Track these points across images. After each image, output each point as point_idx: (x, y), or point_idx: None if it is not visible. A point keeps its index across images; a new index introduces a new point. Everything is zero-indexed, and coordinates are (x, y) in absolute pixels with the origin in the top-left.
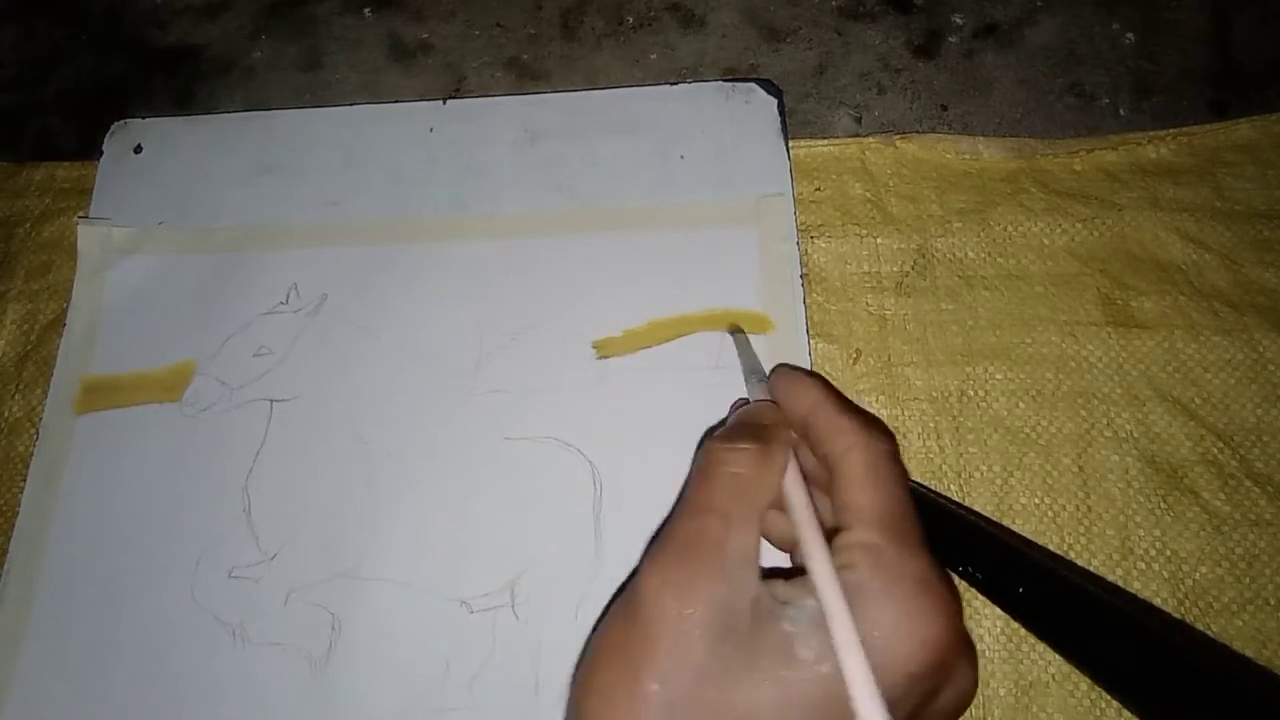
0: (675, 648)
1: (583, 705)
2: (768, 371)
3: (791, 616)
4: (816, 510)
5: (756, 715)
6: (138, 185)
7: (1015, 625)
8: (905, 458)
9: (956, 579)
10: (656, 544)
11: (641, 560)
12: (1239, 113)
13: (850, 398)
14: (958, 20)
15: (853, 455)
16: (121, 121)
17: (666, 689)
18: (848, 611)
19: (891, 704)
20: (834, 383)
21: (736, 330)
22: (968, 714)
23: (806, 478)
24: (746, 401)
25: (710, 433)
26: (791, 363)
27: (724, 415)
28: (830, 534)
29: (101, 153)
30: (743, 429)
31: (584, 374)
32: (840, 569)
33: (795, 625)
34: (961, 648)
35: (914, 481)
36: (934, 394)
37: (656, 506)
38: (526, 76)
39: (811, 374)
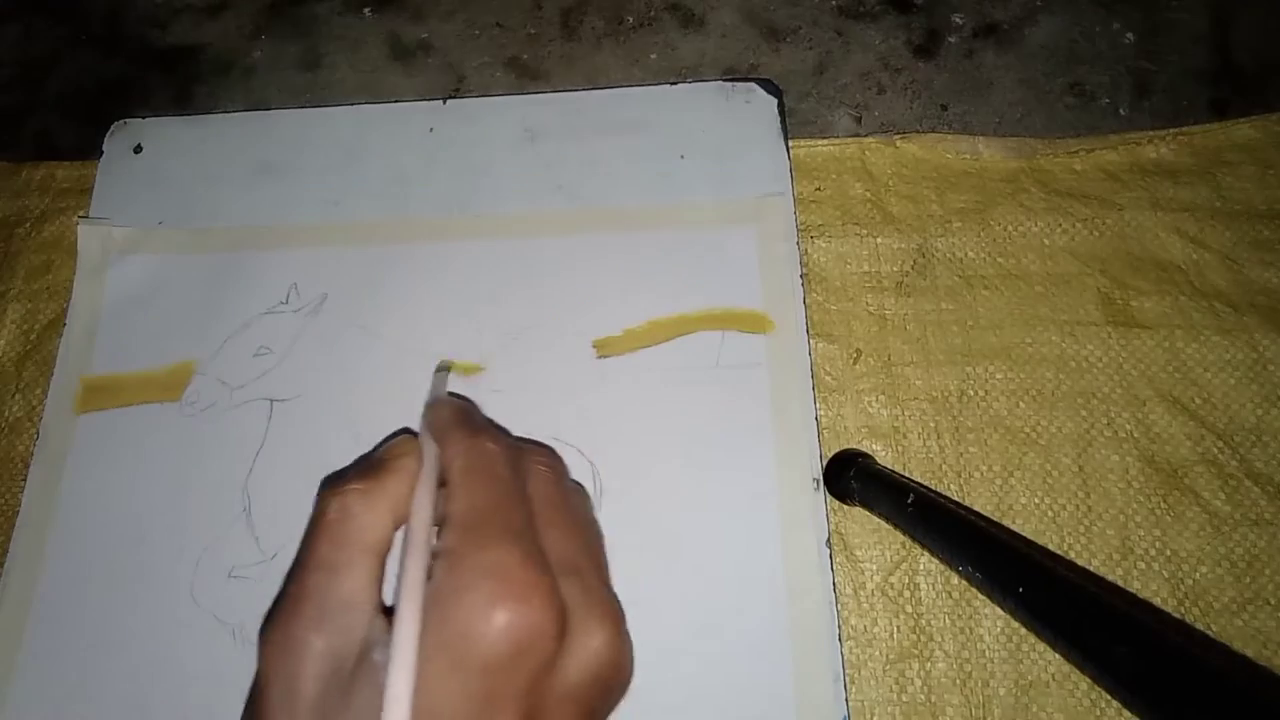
0: (285, 705)
1: None
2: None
3: (382, 646)
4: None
5: None
6: (138, 185)
7: (1015, 625)
8: (905, 458)
9: (957, 579)
10: (272, 606)
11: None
12: (1239, 113)
13: (850, 398)
14: (958, 20)
15: (455, 463)
16: (121, 121)
17: None
18: (409, 634)
19: (489, 695)
20: (834, 382)
21: (443, 368)
22: (967, 712)
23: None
24: None
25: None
26: (790, 362)
27: (725, 415)
28: None
29: (101, 153)
30: (356, 467)
31: (584, 374)
32: (432, 578)
33: (382, 655)
34: (557, 619)
35: (914, 481)
36: (934, 394)
37: (656, 506)
38: (526, 76)
39: (456, 400)
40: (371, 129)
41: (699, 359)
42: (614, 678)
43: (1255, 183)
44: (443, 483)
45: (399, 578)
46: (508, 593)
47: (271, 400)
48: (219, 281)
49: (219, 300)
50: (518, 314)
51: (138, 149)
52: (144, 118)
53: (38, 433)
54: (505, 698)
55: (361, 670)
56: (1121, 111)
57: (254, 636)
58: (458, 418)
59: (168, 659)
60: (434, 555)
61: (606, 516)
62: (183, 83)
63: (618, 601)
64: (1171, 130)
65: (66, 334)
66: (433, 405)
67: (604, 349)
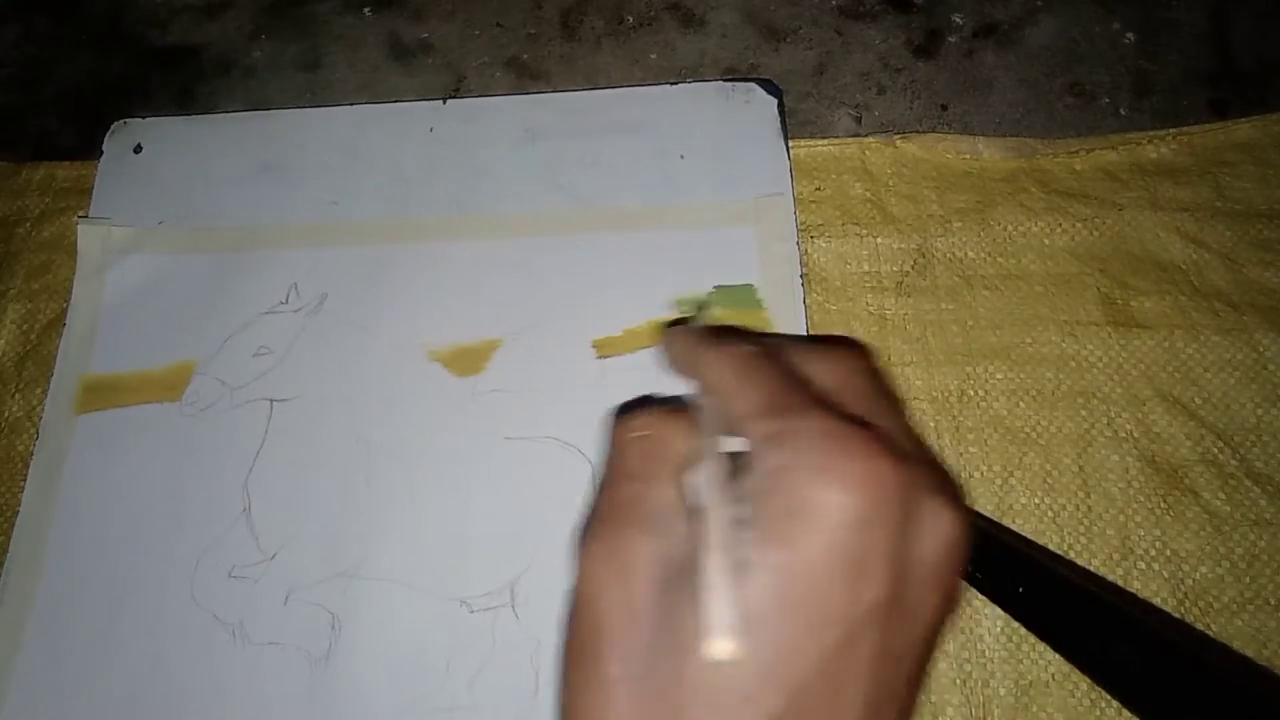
0: (624, 621)
1: (562, 704)
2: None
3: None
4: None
5: None
6: (138, 185)
7: (1015, 625)
8: None
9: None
10: (585, 522)
11: (573, 547)
12: (1239, 113)
13: None
14: (958, 20)
15: (715, 372)
16: (121, 121)
17: (628, 665)
18: (718, 506)
19: (856, 567)
20: None
21: (705, 306)
22: (967, 712)
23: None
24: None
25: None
26: None
27: None
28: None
29: (101, 152)
30: (643, 400)
31: (584, 374)
32: (752, 468)
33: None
34: (905, 481)
35: None
36: (934, 394)
37: None
38: (526, 76)
39: (689, 326)
40: (371, 129)
41: None
42: (959, 563)
43: (1255, 183)
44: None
45: (702, 491)
46: (860, 448)
47: (271, 400)
48: (219, 281)
49: (219, 300)
50: (518, 314)
51: (138, 149)
52: (144, 118)
53: (38, 433)
54: (865, 569)
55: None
56: (1121, 111)
57: (254, 636)
58: (693, 337)
59: (168, 659)
60: (733, 460)
61: None
62: (183, 83)
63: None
64: (1171, 130)
65: (66, 334)
66: (666, 333)
67: (604, 349)
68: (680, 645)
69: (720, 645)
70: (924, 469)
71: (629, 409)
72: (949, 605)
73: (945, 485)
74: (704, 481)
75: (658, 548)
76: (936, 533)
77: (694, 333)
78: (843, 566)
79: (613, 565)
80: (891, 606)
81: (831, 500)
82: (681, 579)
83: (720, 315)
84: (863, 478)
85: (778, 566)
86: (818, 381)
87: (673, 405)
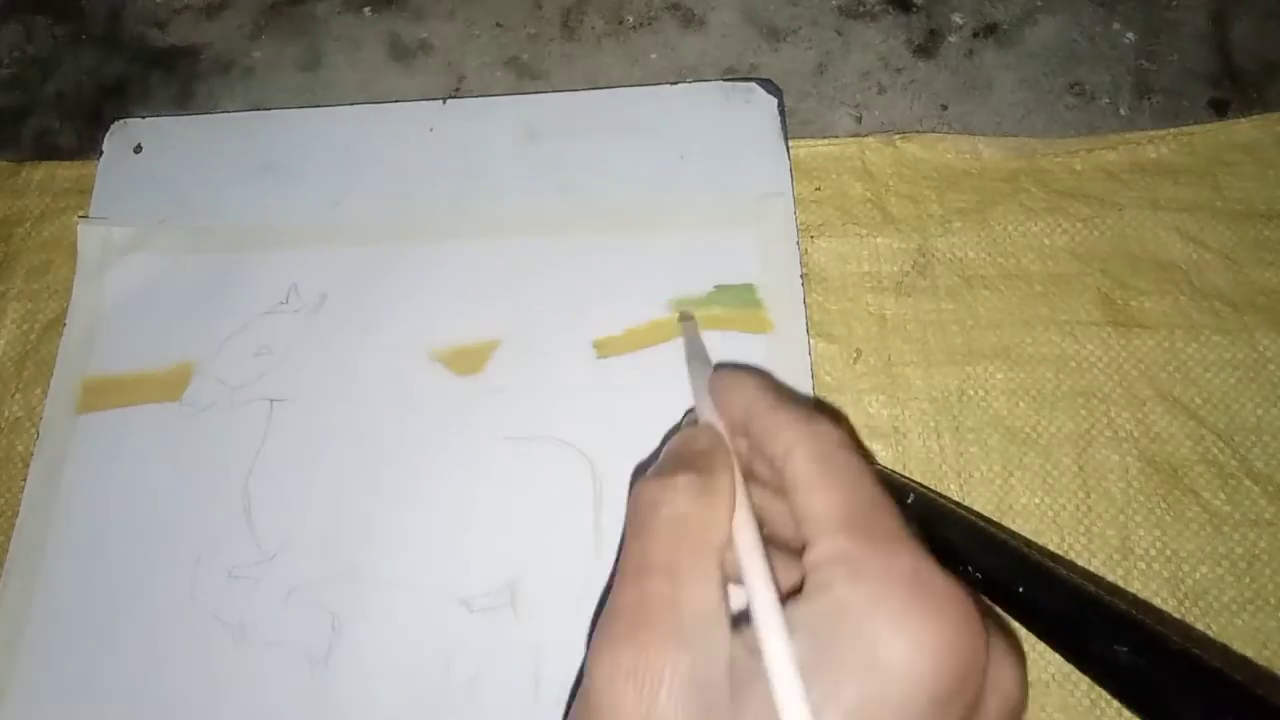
0: None
1: None
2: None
3: (760, 674)
4: (765, 534)
5: None
6: (138, 185)
7: (1015, 625)
8: (905, 458)
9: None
10: (602, 620)
11: (589, 642)
12: (1239, 112)
13: (850, 398)
14: (958, 20)
15: (797, 452)
16: (121, 121)
17: None
18: (785, 646)
19: None
20: (834, 382)
21: (687, 317)
22: None
23: (758, 484)
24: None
25: (641, 471)
26: (790, 362)
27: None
28: (799, 552)
29: (101, 152)
30: (677, 460)
31: (584, 374)
32: (814, 592)
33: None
34: (986, 646)
35: (914, 481)
36: (934, 394)
37: None
38: (526, 76)
39: (747, 368)
40: (371, 129)
41: None
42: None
43: (1255, 183)
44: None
45: (747, 590)
46: (951, 607)
47: (271, 400)
48: (219, 281)
49: (219, 300)
50: (518, 314)
51: (138, 149)
52: (144, 117)
53: (38, 433)
54: None
55: (747, 701)
56: (1121, 111)
57: (254, 636)
58: (767, 395)
59: (168, 659)
60: (791, 560)
61: (606, 517)
62: (183, 82)
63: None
64: (1171, 130)
65: (66, 334)
66: (717, 376)
67: (604, 349)
68: None
69: None
70: (994, 625)
71: (651, 474)
72: None
73: (1013, 646)
74: (759, 601)
75: (688, 667)
76: (1003, 694)
77: (762, 389)
78: None
79: (633, 682)
80: None
81: (918, 666)
82: (718, 707)
83: (716, 316)
84: (952, 647)
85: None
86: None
87: (707, 467)
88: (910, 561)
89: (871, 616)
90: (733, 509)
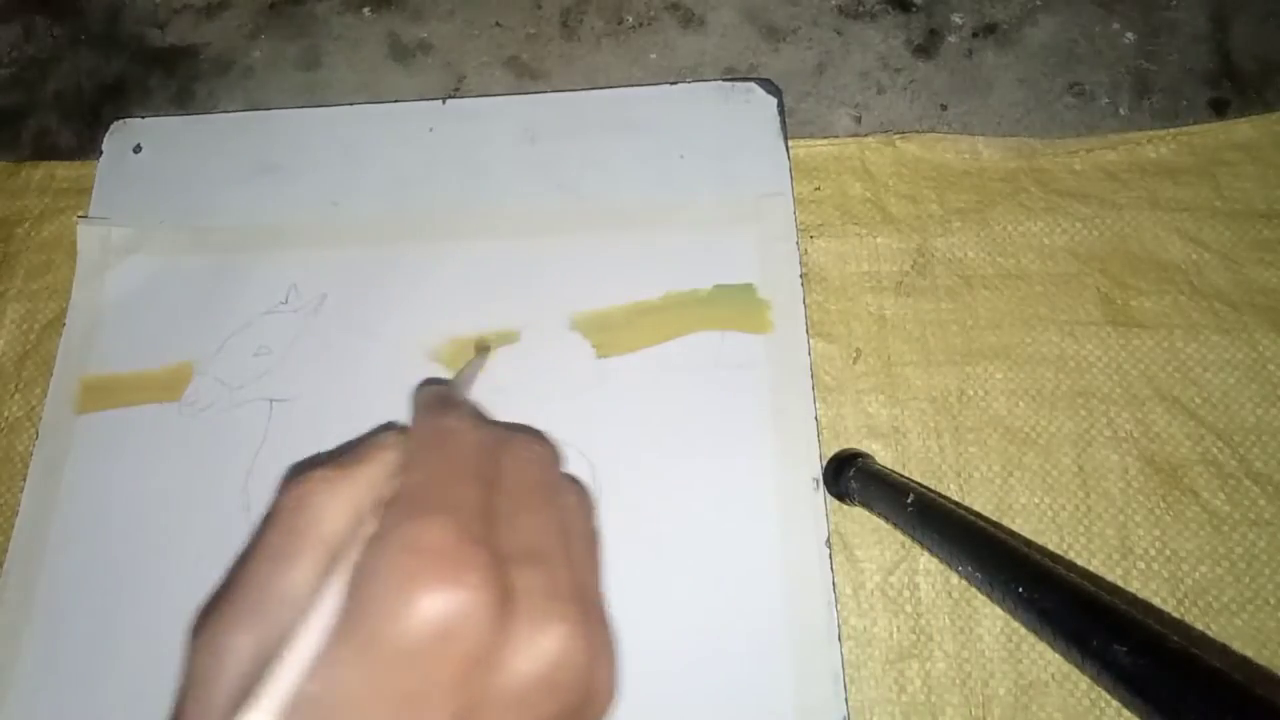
0: (200, 715)
1: None
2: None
3: None
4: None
5: None
6: (137, 185)
7: (1015, 625)
8: (905, 458)
9: (956, 579)
10: (212, 596)
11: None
12: (1239, 113)
13: (850, 397)
14: (958, 20)
15: (412, 447)
16: (121, 121)
17: None
18: (315, 623)
19: (407, 690)
20: (834, 382)
21: (483, 348)
22: (967, 712)
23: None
24: None
25: (296, 469)
26: (789, 361)
27: (724, 414)
28: None
29: (101, 152)
30: (334, 454)
31: (584, 374)
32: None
33: None
34: (491, 602)
35: (914, 481)
36: (934, 394)
37: (656, 506)
38: (526, 76)
39: (436, 385)
40: (371, 129)
41: (699, 359)
42: (572, 686)
43: (1255, 182)
44: None
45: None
46: (429, 567)
47: (271, 400)
48: (219, 281)
49: (219, 300)
50: (518, 314)
51: (137, 149)
52: (143, 117)
53: (38, 433)
54: (427, 694)
55: None
56: (1121, 111)
57: None
58: (429, 400)
59: (167, 659)
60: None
61: (606, 516)
62: (182, 82)
63: (595, 603)
64: (1171, 130)
65: (66, 334)
66: (414, 392)
67: (604, 349)
68: None
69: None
70: (542, 584)
71: (302, 469)
72: None
73: (559, 600)
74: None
75: (259, 643)
76: (536, 653)
77: (429, 394)
78: (398, 688)
79: (206, 659)
80: None
81: (403, 615)
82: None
83: (716, 316)
84: (438, 601)
85: (341, 664)
86: (502, 472)
87: (342, 463)
88: (420, 529)
89: (372, 577)
90: (358, 504)
